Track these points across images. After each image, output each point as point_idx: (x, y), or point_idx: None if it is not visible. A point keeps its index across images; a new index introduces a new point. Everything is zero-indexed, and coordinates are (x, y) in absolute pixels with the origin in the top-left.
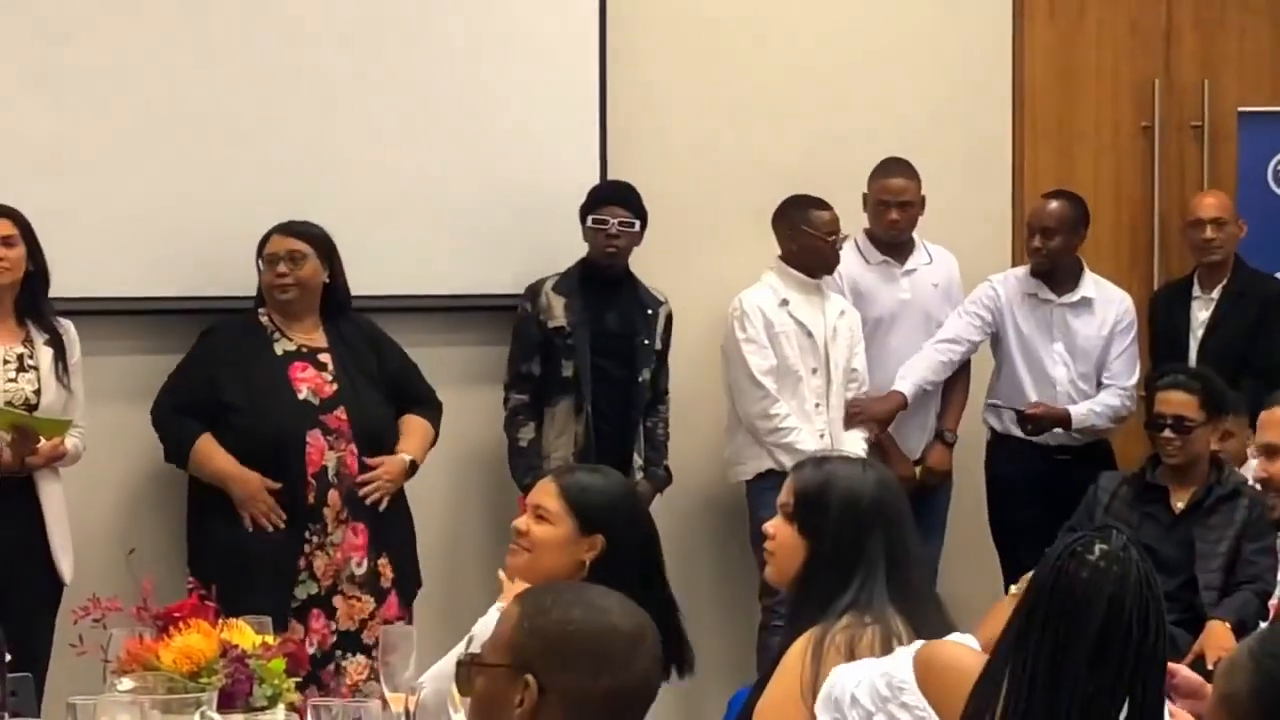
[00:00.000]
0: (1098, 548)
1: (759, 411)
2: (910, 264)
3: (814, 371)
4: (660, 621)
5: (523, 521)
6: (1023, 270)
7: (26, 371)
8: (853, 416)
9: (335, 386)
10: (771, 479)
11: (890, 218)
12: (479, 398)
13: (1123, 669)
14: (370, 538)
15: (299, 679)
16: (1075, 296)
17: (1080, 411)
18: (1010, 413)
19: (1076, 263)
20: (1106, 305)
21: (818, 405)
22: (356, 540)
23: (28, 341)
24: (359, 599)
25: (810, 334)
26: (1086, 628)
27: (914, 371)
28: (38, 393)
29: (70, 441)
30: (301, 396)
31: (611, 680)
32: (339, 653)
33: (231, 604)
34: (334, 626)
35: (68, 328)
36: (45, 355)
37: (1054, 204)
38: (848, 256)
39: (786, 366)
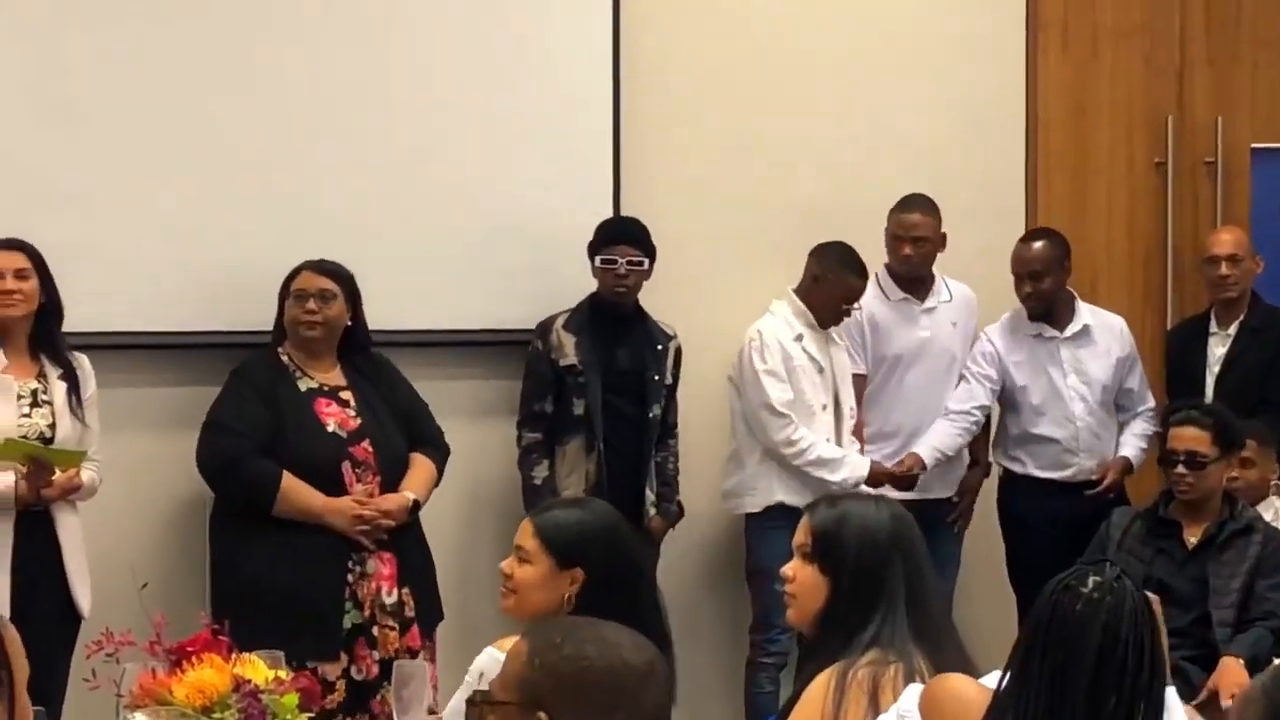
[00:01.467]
0: (1091, 580)
1: (783, 439)
2: (930, 301)
3: (824, 407)
4: None
5: (506, 564)
6: (1013, 313)
7: (41, 406)
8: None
9: (359, 421)
10: (777, 514)
11: (904, 252)
12: (490, 432)
13: (1121, 696)
14: (397, 568)
15: (319, 711)
16: (1076, 327)
17: (1135, 454)
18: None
19: (1069, 295)
20: (1106, 332)
21: (828, 440)
22: (385, 570)
23: (42, 376)
24: (391, 628)
25: (822, 369)
26: (1083, 657)
27: (933, 439)
28: (52, 426)
29: (86, 474)
30: (330, 429)
31: (623, 715)
32: (384, 683)
33: (275, 636)
34: (376, 655)
35: (82, 361)
36: (59, 389)
37: (1036, 245)
38: (868, 292)
39: (802, 401)
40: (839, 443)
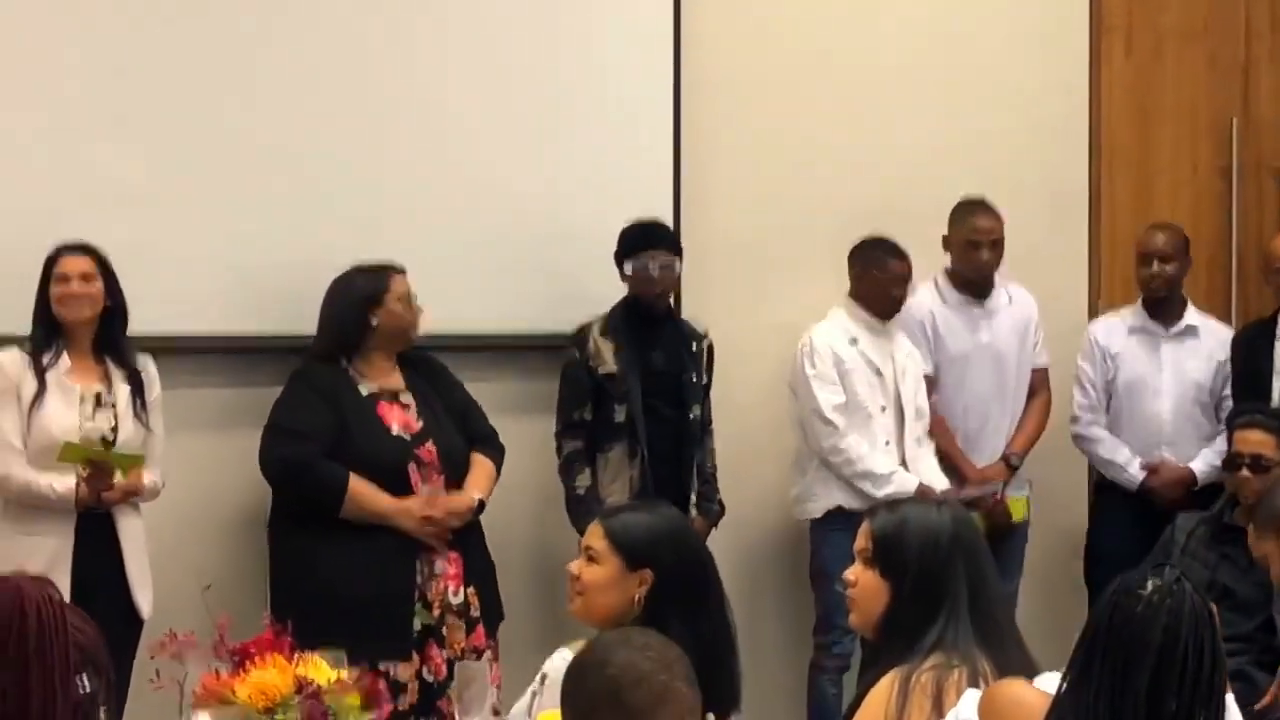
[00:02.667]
0: (1150, 583)
1: (830, 447)
2: (990, 305)
3: (883, 409)
4: (711, 656)
5: (575, 565)
6: (1125, 310)
7: (104, 408)
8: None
9: (421, 423)
10: (838, 518)
11: (982, 258)
12: (526, 436)
13: (1181, 699)
14: (463, 567)
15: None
16: (1181, 325)
17: (1202, 468)
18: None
19: (1183, 296)
20: (1212, 335)
21: (888, 443)
22: (451, 570)
23: (106, 379)
24: (458, 628)
25: (879, 372)
26: (1143, 659)
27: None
28: (115, 430)
29: (148, 478)
30: (395, 432)
31: None
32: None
33: (345, 638)
34: (446, 655)
35: (146, 364)
36: (123, 392)
37: (1164, 232)
38: (926, 295)
39: (857, 403)
40: (901, 444)
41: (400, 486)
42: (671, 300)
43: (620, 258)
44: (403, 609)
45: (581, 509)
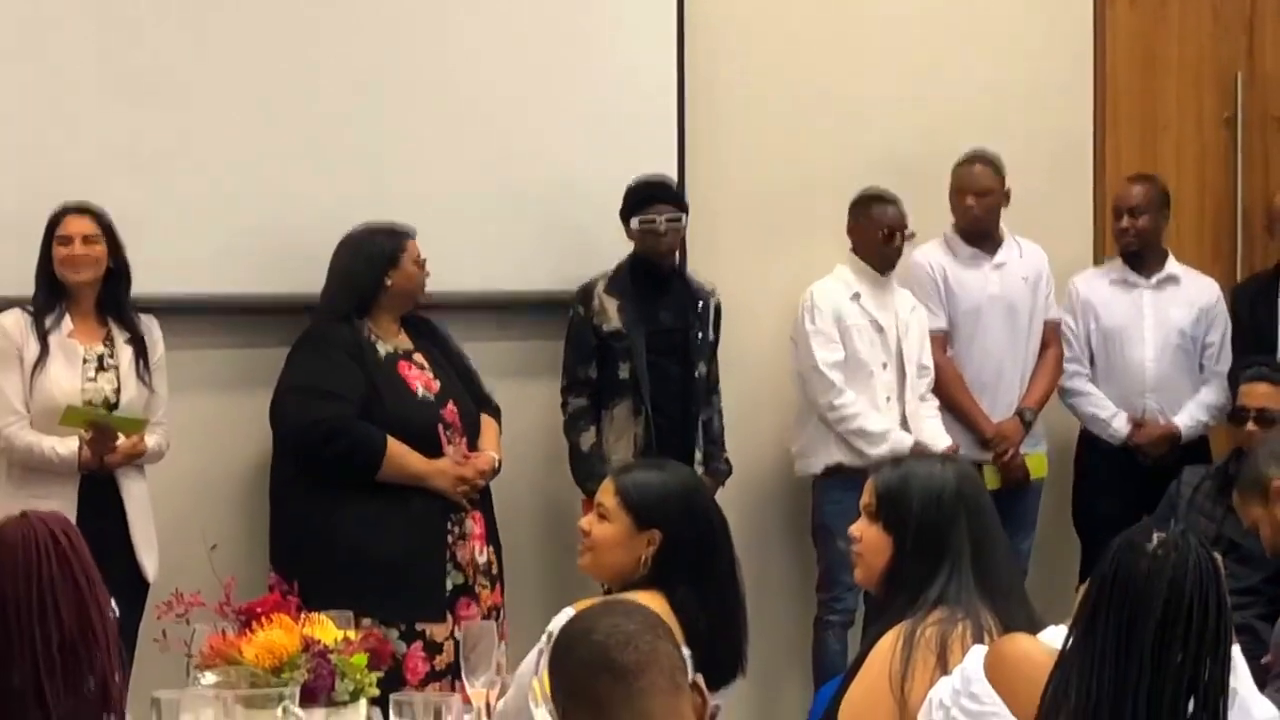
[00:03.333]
0: (1155, 537)
1: (827, 404)
2: (1000, 258)
3: (884, 366)
4: (718, 621)
5: (585, 521)
6: (1107, 264)
7: (106, 370)
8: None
9: (439, 383)
10: (838, 475)
11: (965, 204)
12: (530, 395)
13: (1187, 653)
14: (485, 527)
15: (382, 671)
16: (1162, 274)
17: (1187, 423)
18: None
19: (1161, 248)
20: (1195, 286)
21: (889, 399)
22: (477, 530)
23: (108, 340)
24: (486, 586)
25: (881, 328)
26: (1149, 614)
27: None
28: (117, 391)
29: (152, 439)
30: (420, 393)
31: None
32: None
33: (380, 600)
34: (479, 613)
35: (150, 326)
36: (125, 354)
37: (1138, 185)
38: (936, 250)
39: (857, 360)
40: (902, 400)
41: (430, 448)
42: (677, 257)
43: (626, 214)
44: (436, 569)
45: (586, 466)
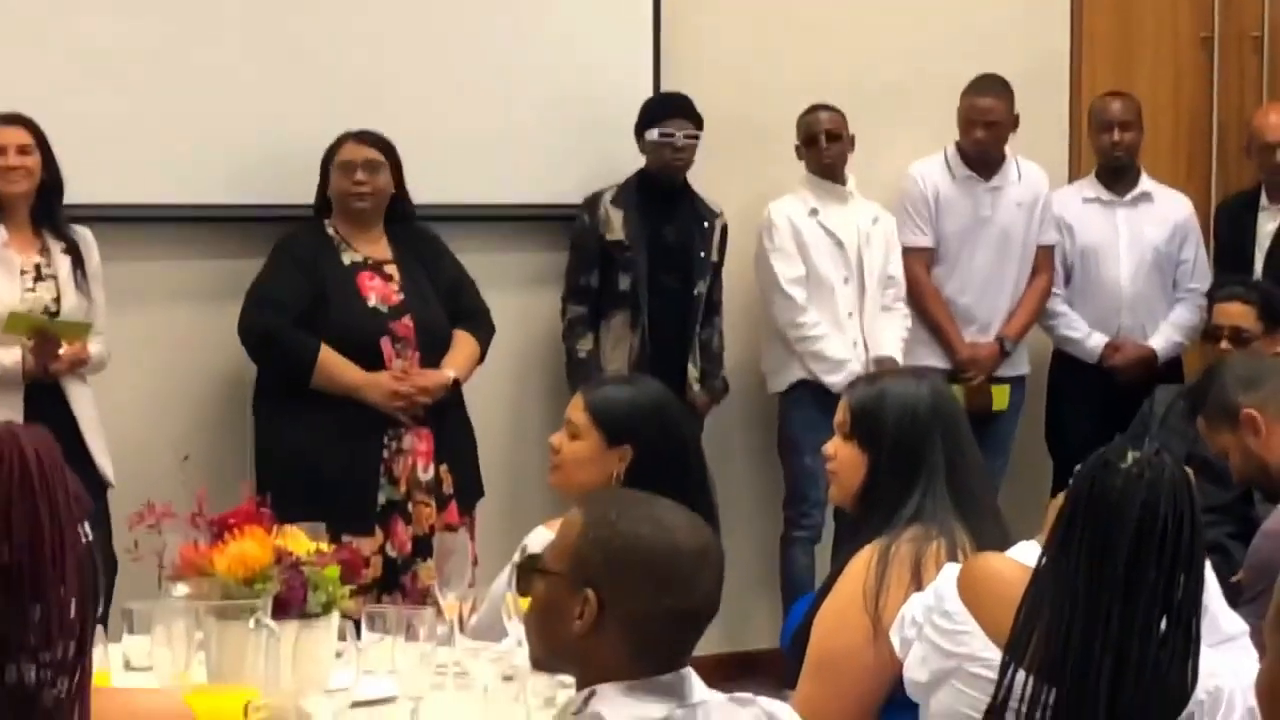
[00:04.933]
0: (1130, 456)
1: (788, 320)
2: (996, 181)
3: (845, 281)
4: None
5: (556, 438)
6: (1080, 182)
7: (45, 280)
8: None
9: (402, 296)
10: (802, 390)
11: (976, 136)
12: (537, 307)
13: (1160, 571)
14: (434, 444)
15: (356, 585)
16: (1137, 191)
17: (1162, 345)
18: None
19: (1136, 165)
20: (1168, 202)
21: (850, 314)
22: (421, 446)
23: (44, 251)
24: (427, 504)
25: (841, 243)
26: (1122, 533)
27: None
28: (57, 300)
29: (94, 348)
30: (371, 304)
31: (673, 601)
32: (417, 559)
33: (311, 510)
34: (412, 532)
35: (84, 235)
36: (63, 264)
37: (1122, 100)
38: (933, 169)
39: (818, 276)
40: (861, 314)
41: (373, 360)
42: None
43: (642, 127)
44: (366, 483)
45: (582, 373)
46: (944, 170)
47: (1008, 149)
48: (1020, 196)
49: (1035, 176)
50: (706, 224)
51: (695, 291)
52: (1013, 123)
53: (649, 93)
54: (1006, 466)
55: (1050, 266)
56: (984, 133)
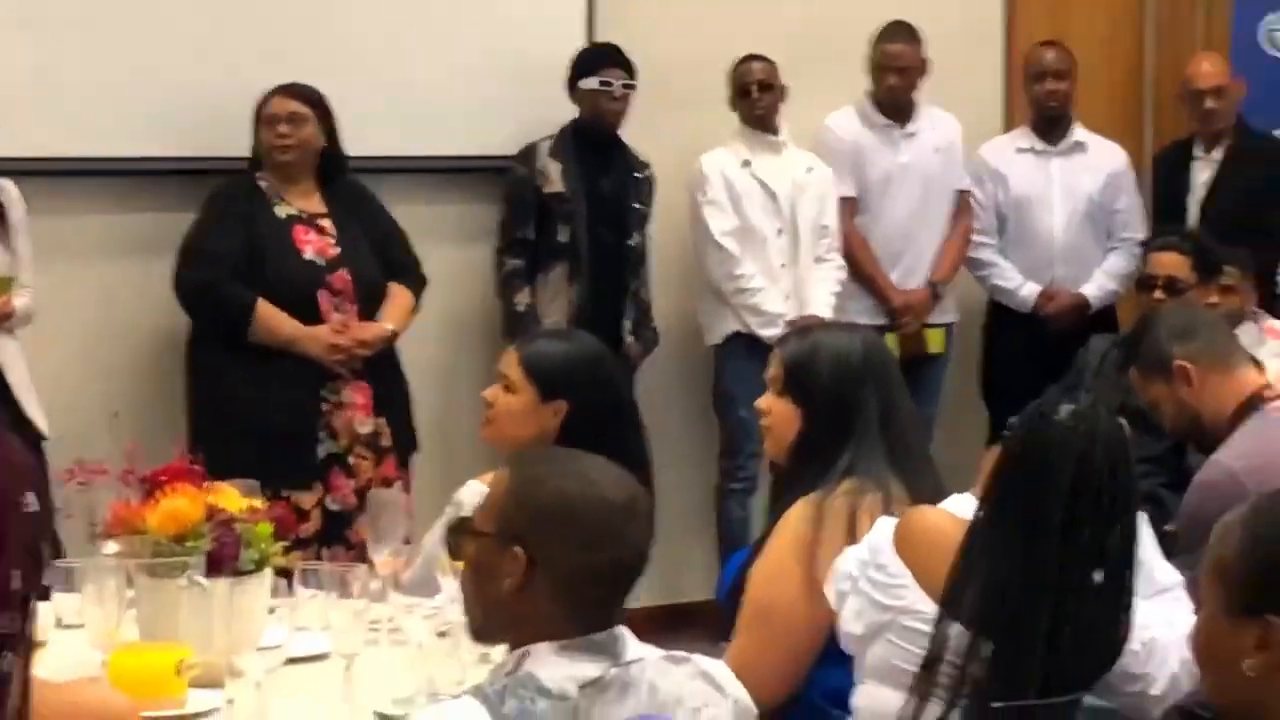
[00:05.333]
0: (1064, 408)
1: (723, 273)
2: (911, 128)
3: (779, 232)
4: None
5: (490, 392)
6: (1013, 132)
7: None
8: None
9: (338, 249)
10: (737, 343)
11: (888, 83)
12: (470, 259)
13: (1096, 524)
14: (372, 397)
15: (295, 539)
16: (1070, 141)
17: (1095, 293)
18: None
19: (1069, 115)
20: (1103, 153)
21: (783, 265)
22: (359, 399)
23: None
24: (366, 458)
25: (774, 194)
26: (1058, 486)
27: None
28: None
29: (19, 301)
30: (307, 257)
31: (602, 556)
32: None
33: (251, 465)
34: (354, 485)
35: (7, 188)
36: None
37: (1055, 50)
38: (848, 119)
39: (750, 228)
40: (797, 264)
41: (310, 313)
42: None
43: (576, 76)
44: (306, 436)
45: (520, 326)
46: (860, 120)
47: (918, 96)
48: (936, 142)
49: (947, 123)
50: (639, 175)
51: (630, 243)
52: (922, 67)
53: (581, 44)
54: (938, 413)
55: (970, 211)
56: (896, 79)
